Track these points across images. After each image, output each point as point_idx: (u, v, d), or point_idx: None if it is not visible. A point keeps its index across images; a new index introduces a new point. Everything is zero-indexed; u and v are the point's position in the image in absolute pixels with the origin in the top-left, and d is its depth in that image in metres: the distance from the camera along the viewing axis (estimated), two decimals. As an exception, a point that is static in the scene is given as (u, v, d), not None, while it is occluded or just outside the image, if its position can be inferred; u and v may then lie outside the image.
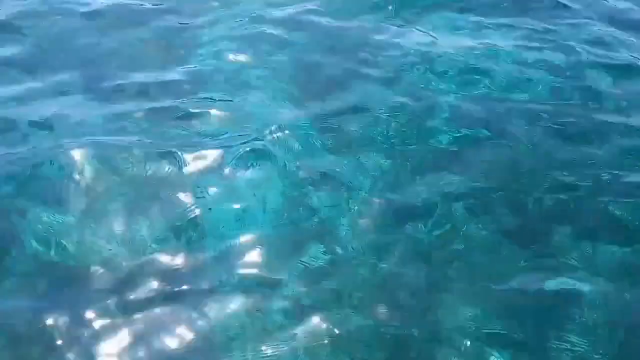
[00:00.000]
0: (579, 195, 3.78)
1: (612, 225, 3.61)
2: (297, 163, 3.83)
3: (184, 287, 3.16)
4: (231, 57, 4.89)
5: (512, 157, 4.02)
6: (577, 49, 5.18)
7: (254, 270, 3.27)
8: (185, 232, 3.41)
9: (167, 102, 4.32)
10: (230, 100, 4.38)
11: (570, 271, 3.31)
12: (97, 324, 2.98)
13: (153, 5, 5.61)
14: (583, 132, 4.29)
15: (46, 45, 4.97)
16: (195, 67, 4.75)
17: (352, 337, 2.98)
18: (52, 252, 3.28)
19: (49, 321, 2.96)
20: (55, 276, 3.18)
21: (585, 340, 3.00)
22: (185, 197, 3.59)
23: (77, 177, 3.67)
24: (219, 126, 4.13)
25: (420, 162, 3.93)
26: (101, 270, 3.21)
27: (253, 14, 5.44)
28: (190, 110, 4.25)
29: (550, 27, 5.48)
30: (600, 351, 2.96)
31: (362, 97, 4.48)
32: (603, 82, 4.82)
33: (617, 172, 3.95)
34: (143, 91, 4.47)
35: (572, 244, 3.46)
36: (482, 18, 5.57)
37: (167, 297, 3.11)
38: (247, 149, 3.88)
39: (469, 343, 2.97)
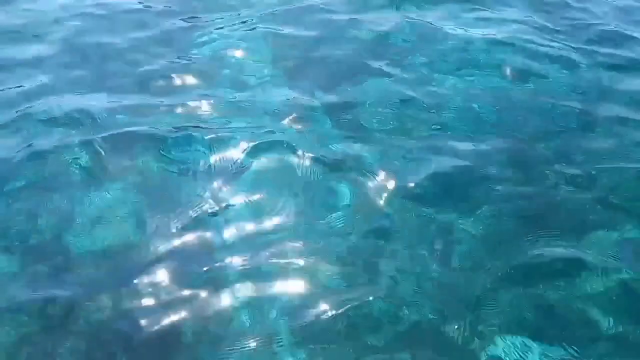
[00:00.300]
0: (582, 185, 3.85)
1: (615, 213, 3.66)
2: (309, 153, 3.90)
3: (200, 271, 3.24)
4: (242, 53, 5.00)
5: (517, 147, 4.10)
6: (583, 44, 5.30)
7: (268, 258, 3.32)
8: (201, 221, 3.49)
9: (178, 98, 4.43)
10: (241, 94, 4.48)
11: (576, 252, 3.38)
12: (122, 306, 3.08)
13: (164, 6, 5.78)
14: (587, 124, 4.38)
15: (64, 46, 5.12)
16: (205, 63, 4.86)
17: (364, 319, 3.05)
18: (78, 242, 3.37)
19: (76, 307, 3.05)
20: (78, 264, 3.27)
21: (592, 319, 3.09)
22: (200, 188, 3.68)
23: (94, 168, 3.78)
24: (232, 119, 4.22)
25: (428, 151, 4.01)
26: (123, 257, 3.31)
27: (262, 12, 5.58)
28: (203, 104, 4.36)
29: (556, 23, 5.59)
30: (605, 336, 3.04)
31: (371, 89, 4.57)
32: (607, 77, 4.91)
33: (621, 164, 4.02)
34: (154, 87, 4.60)
35: (578, 230, 3.53)
36: (489, 13, 5.70)
37: (184, 282, 3.19)
38: (261, 139, 3.97)
39: (478, 322, 3.04)
